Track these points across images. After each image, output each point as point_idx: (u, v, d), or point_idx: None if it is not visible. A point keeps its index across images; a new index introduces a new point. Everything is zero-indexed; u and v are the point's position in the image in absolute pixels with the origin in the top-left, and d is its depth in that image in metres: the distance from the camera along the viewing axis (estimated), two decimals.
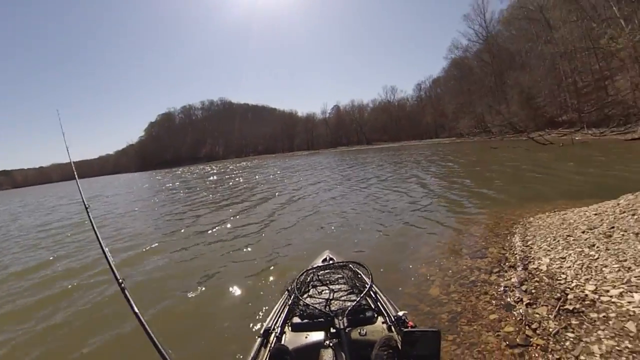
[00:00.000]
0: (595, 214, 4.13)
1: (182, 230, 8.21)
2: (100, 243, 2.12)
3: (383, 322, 1.85)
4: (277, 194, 13.31)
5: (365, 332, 1.76)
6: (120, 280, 1.88)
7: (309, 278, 2.44)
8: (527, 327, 2.67)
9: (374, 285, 2.15)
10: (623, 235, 3.38)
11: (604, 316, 2.48)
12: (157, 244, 7.09)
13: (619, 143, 18.31)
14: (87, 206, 2.53)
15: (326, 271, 2.51)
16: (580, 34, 30.21)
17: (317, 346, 1.74)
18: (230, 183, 20.72)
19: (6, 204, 31.03)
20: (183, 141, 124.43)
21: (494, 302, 3.17)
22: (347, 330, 1.70)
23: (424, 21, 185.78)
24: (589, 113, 29.17)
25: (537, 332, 2.59)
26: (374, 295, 2.13)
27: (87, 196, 2.66)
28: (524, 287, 3.23)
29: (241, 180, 22.04)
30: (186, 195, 16.54)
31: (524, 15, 41.06)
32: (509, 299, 3.13)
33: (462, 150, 27.11)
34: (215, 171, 39.82)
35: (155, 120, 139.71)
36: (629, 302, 2.50)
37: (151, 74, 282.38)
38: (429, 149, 34.75)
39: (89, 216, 2.39)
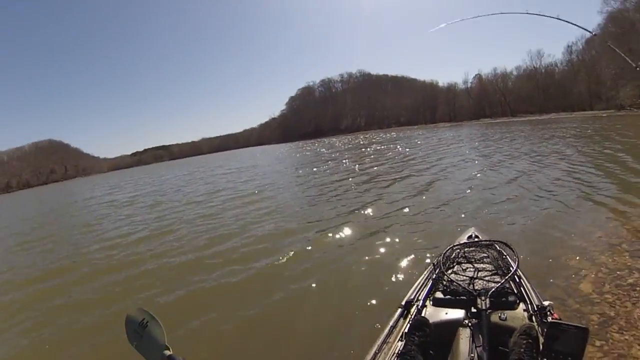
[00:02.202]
0: None
1: (344, 203, 8.72)
2: None
3: (525, 310, 1.79)
4: (430, 165, 13.45)
5: (506, 317, 1.71)
6: None
7: (454, 254, 2.46)
8: None
9: (519, 269, 2.08)
10: None
11: None
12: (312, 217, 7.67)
13: None
14: None
15: (472, 249, 2.51)
16: None
17: (456, 323, 1.76)
18: (383, 153, 21.48)
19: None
20: (324, 114, 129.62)
21: None
22: (487, 312, 1.69)
23: None
24: None
25: None
26: (518, 280, 2.06)
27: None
28: None
29: (391, 150, 22.72)
30: (345, 165, 17.72)
31: None
32: None
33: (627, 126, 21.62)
34: (364, 142, 40.70)
35: (296, 94, 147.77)
36: None
37: (289, 49, 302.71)
38: (585, 124, 28.40)
39: None
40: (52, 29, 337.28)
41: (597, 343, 2.67)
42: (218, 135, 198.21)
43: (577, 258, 4.00)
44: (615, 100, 42.68)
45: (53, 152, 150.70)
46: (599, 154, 11.50)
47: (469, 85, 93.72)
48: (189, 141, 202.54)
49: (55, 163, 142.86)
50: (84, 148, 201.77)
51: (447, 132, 41.23)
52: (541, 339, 1.42)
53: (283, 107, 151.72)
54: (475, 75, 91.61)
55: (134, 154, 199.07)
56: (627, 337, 2.67)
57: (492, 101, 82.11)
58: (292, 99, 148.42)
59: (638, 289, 3.23)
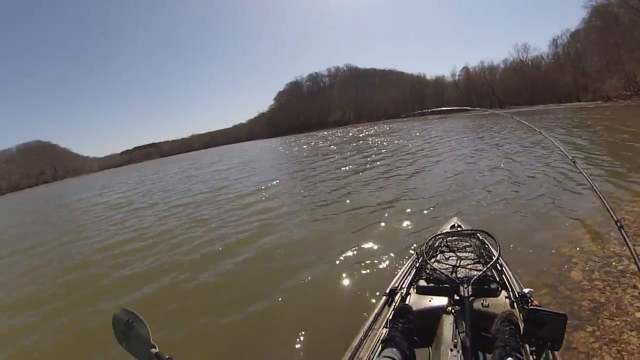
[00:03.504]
0: None
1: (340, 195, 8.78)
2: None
3: (506, 297, 1.83)
4: (419, 156, 13.46)
5: (488, 304, 1.75)
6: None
7: (437, 243, 2.50)
8: None
9: (501, 258, 2.12)
10: None
11: None
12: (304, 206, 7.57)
13: None
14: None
15: (454, 238, 2.57)
16: None
17: (439, 310, 1.80)
18: (380, 146, 21.08)
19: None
20: (312, 108, 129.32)
21: None
22: (470, 299, 1.71)
23: None
24: None
25: None
26: (499, 268, 2.10)
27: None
28: None
29: (389, 143, 22.37)
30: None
31: None
32: None
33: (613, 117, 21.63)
34: (357, 135, 39.67)
35: (284, 89, 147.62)
36: None
37: (276, 44, 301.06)
38: (571, 114, 28.51)
39: None
40: (33, 25, 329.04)
41: (589, 328, 2.69)
42: (208, 131, 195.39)
43: (567, 246, 4.05)
44: (602, 92, 43.19)
45: (41, 153, 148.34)
46: (598, 142, 11.34)
47: (457, 77, 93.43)
48: (179, 138, 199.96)
49: (44, 164, 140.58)
50: (73, 148, 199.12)
51: (436, 124, 41.00)
52: (522, 325, 1.44)
53: (271, 102, 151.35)
54: (463, 68, 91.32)
55: (124, 153, 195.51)
56: (617, 323, 2.70)
57: (480, 93, 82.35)
58: (280, 94, 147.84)
59: (627, 275, 3.27)
